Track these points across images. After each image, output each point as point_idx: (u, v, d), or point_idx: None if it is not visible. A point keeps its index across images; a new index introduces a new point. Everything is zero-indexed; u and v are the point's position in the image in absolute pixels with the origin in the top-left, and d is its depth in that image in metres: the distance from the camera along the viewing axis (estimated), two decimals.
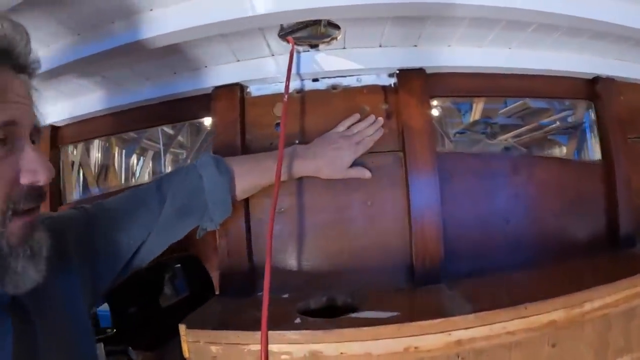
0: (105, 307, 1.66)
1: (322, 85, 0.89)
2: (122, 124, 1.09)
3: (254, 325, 0.63)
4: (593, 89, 1.01)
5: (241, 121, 0.87)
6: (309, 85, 0.89)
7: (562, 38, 0.90)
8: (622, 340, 0.76)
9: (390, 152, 0.87)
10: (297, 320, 0.68)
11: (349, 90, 0.89)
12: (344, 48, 0.85)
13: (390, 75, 0.89)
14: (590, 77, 1.01)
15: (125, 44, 0.75)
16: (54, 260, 0.51)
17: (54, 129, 1.16)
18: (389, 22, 0.76)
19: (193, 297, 1.64)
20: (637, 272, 0.76)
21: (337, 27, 0.77)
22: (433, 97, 0.92)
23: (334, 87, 0.89)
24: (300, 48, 0.84)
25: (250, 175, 0.78)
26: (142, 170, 4.05)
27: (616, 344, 0.75)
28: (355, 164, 0.84)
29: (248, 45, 0.82)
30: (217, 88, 0.90)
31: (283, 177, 0.79)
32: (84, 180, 2.51)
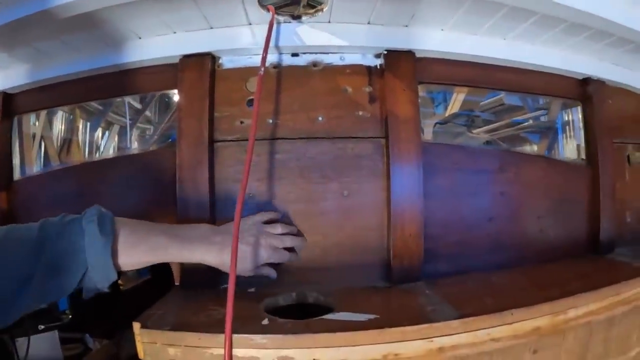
0: None
1: (301, 61, 0.81)
2: (85, 92, 0.97)
3: (218, 326, 0.56)
4: (584, 90, 0.99)
5: (210, 96, 0.78)
6: (288, 60, 0.81)
7: (559, 35, 0.86)
8: (602, 348, 0.74)
9: (371, 139, 0.80)
10: (265, 322, 0.61)
11: (330, 69, 0.81)
12: (329, 22, 0.78)
13: (377, 56, 0.82)
14: (581, 77, 0.99)
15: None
16: None
17: (7, 97, 1.03)
18: None
19: (155, 280, 1.54)
20: (619, 280, 0.74)
21: None
22: (420, 82, 0.86)
23: (314, 64, 0.81)
24: (281, 18, 0.76)
25: (136, 249, 0.64)
26: (106, 144, 3.85)
27: (595, 352, 0.73)
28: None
29: (223, 10, 0.73)
30: (186, 57, 0.80)
31: (173, 259, 0.67)
32: (45, 153, 2.34)
